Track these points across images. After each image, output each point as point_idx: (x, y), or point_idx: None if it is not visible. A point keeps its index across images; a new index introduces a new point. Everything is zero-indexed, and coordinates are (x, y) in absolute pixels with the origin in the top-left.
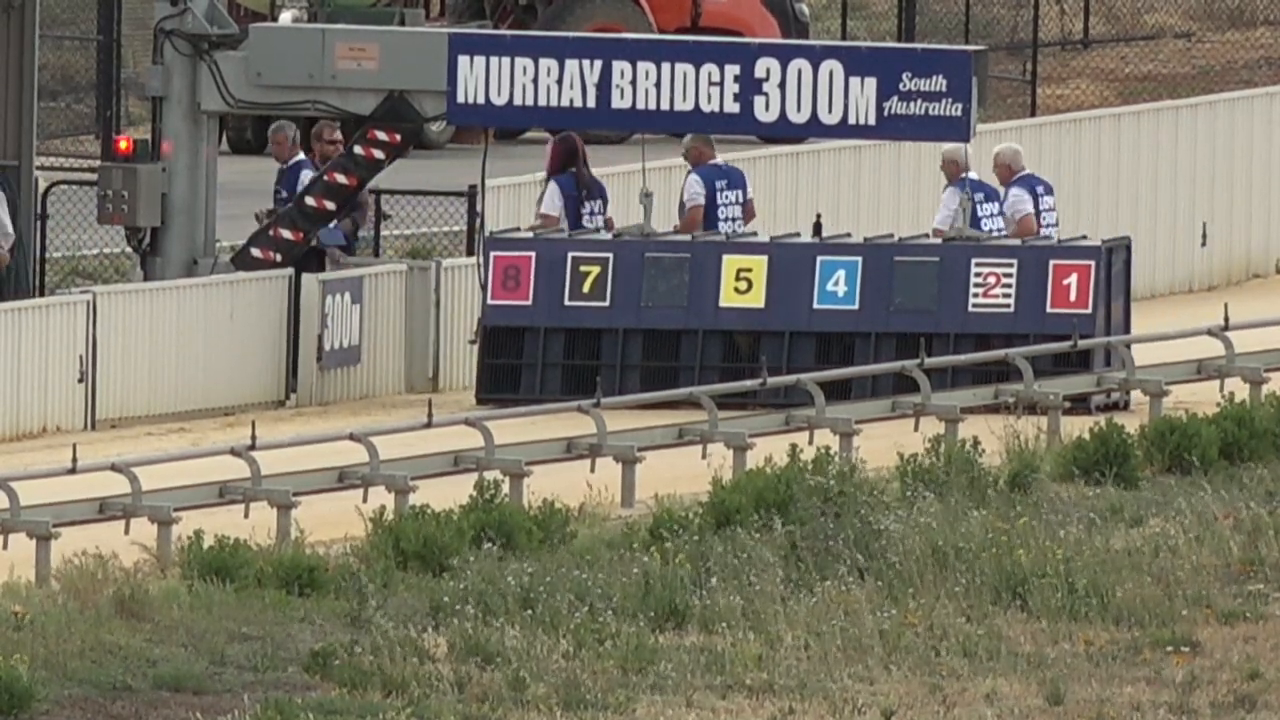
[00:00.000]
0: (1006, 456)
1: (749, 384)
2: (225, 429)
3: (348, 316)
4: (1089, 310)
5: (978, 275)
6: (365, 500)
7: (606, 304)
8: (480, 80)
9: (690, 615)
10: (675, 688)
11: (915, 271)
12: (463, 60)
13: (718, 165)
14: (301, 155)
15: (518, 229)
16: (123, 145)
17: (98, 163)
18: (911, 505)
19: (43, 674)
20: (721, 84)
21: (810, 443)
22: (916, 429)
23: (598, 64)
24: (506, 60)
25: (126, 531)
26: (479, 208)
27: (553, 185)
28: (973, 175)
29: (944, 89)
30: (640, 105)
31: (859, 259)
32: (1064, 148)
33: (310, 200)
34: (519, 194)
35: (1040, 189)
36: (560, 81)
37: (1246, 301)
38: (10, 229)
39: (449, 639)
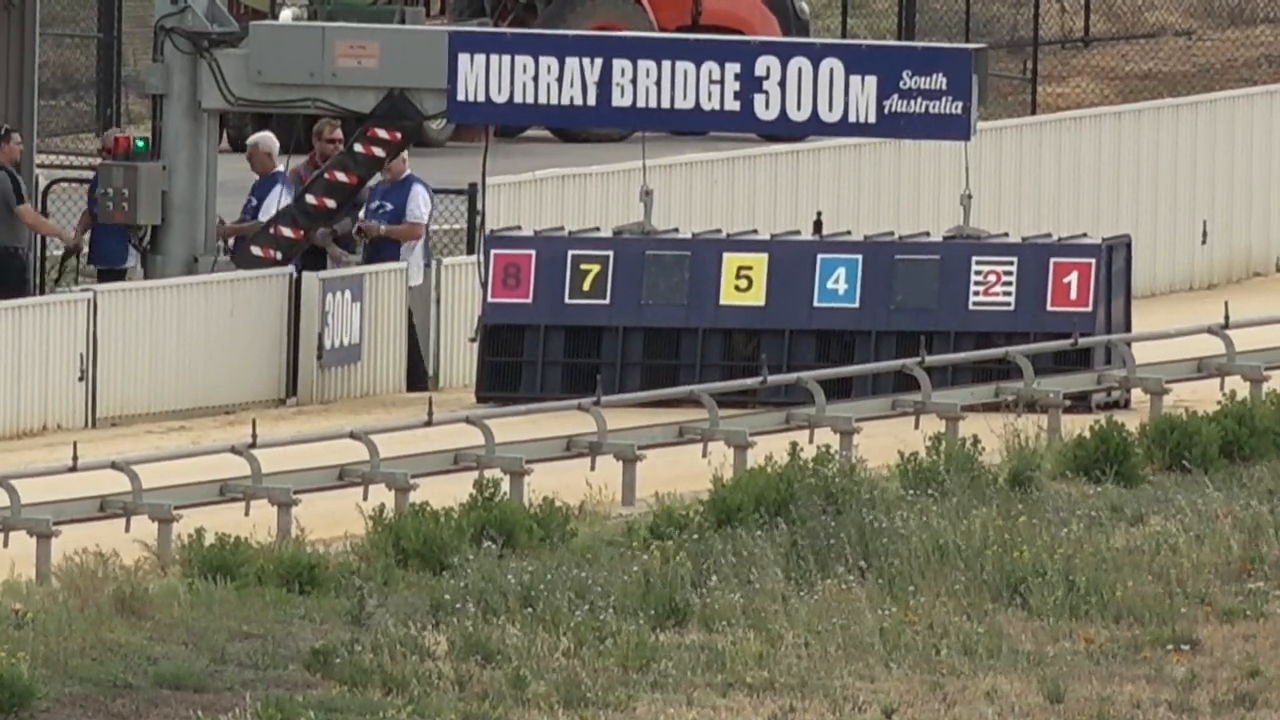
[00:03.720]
0: (1007, 455)
1: (749, 382)
2: (226, 427)
3: (348, 314)
4: (1089, 308)
5: (978, 273)
6: (365, 498)
7: (607, 302)
8: (481, 78)
9: (691, 613)
10: (676, 686)
11: (916, 270)
12: (463, 58)
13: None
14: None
15: (518, 227)
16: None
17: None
18: (912, 504)
19: (43, 672)
20: (722, 82)
21: (811, 441)
22: (917, 427)
23: (598, 62)
24: (507, 58)
25: (127, 529)
26: (479, 206)
27: (280, 188)
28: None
29: (944, 87)
30: (641, 103)
31: (859, 257)
32: (1064, 146)
33: (311, 198)
34: (519, 192)
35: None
36: (561, 80)
37: (1247, 299)
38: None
39: (449, 637)
